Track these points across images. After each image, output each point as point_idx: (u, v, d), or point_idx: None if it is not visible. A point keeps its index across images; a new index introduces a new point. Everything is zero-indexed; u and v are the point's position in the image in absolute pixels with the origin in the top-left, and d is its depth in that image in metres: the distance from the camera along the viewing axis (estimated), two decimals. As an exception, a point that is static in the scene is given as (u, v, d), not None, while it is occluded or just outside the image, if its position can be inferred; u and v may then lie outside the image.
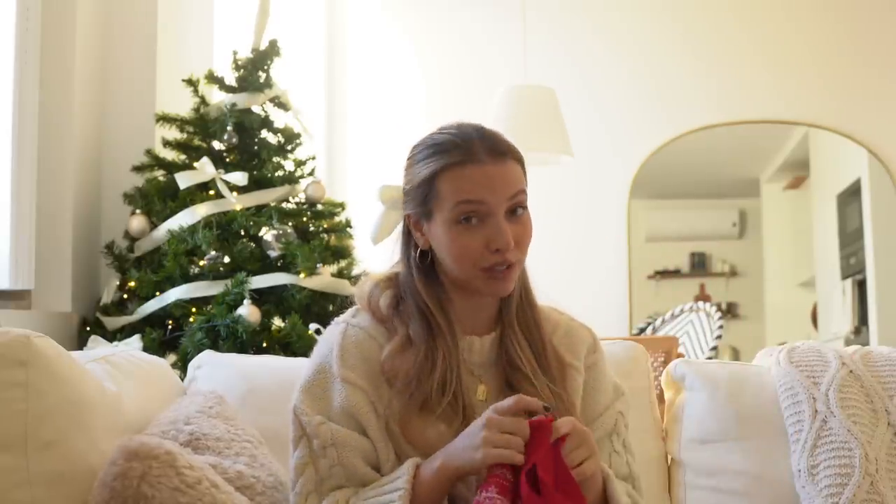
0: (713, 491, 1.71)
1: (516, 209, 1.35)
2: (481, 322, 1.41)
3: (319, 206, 2.68)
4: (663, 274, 4.62)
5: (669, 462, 1.80)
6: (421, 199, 1.36)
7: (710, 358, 3.91)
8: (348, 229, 2.74)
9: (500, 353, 1.40)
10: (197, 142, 2.61)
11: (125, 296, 2.49)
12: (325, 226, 2.67)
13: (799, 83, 4.40)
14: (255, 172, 2.57)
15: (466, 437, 1.24)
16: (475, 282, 1.35)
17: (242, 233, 2.50)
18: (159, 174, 2.59)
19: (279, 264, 2.48)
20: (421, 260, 1.39)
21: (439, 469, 1.25)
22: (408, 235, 1.41)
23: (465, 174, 1.32)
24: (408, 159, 1.40)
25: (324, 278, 2.51)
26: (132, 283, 2.43)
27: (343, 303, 2.50)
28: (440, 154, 1.34)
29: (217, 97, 2.70)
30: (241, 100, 2.60)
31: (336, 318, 1.44)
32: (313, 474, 1.31)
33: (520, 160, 1.38)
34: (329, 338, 1.39)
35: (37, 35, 2.39)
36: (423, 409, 1.32)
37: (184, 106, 2.65)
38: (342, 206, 2.77)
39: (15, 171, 2.33)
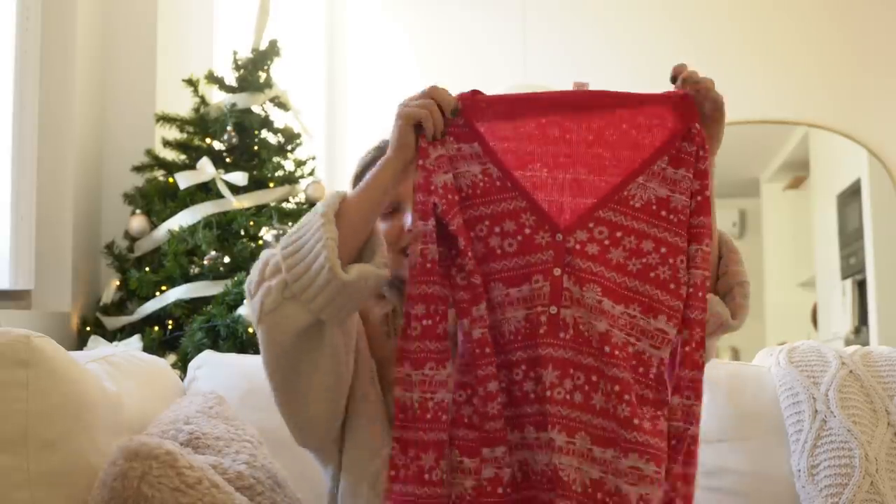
0: (713, 491, 1.70)
1: None
2: None
3: (319, 207, 2.68)
4: (663, 274, 4.61)
5: (669, 462, 1.79)
6: None
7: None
8: (348, 229, 2.73)
9: None
10: (197, 142, 2.61)
11: (125, 296, 2.49)
12: (325, 226, 2.67)
13: (799, 83, 4.40)
14: (254, 172, 2.57)
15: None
16: None
17: (242, 233, 2.49)
18: (159, 174, 2.58)
19: (279, 264, 2.47)
20: None
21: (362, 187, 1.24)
22: None
23: None
24: None
25: (324, 278, 2.51)
26: (132, 283, 2.43)
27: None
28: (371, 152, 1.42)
29: (217, 97, 2.69)
30: (241, 100, 2.60)
31: None
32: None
33: None
34: None
35: (37, 35, 2.39)
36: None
37: (184, 106, 2.65)
38: (342, 206, 2.77)
39: (15, 171, 2.32)
